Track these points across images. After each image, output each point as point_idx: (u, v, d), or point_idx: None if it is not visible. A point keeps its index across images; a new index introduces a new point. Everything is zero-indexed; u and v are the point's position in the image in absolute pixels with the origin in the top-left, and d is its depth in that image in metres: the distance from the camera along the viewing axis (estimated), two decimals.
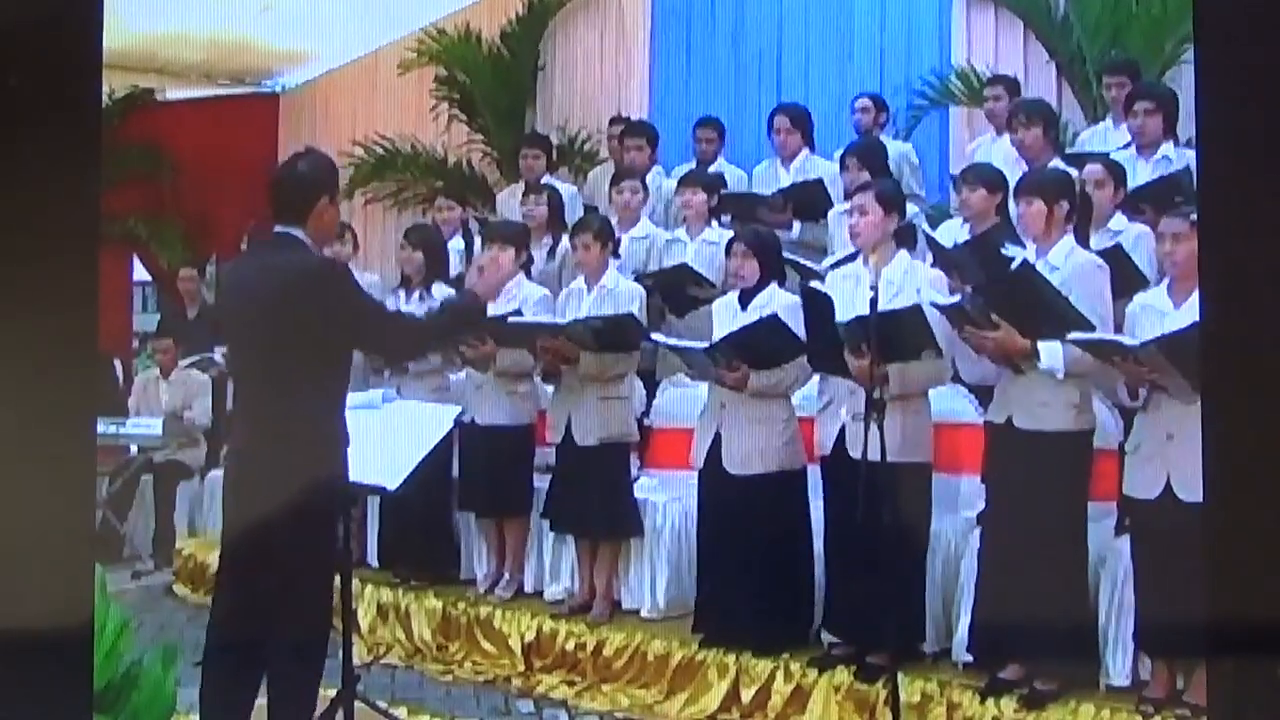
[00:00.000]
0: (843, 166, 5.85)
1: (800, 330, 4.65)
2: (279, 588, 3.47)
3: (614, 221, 6.00)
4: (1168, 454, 3.95)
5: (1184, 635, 3.77)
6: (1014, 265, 4.29)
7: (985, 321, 4.18)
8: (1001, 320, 4.16)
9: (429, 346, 3.94)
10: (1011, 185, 4.73)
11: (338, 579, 3.90)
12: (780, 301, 4.82)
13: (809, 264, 5.66)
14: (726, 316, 4.97)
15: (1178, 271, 4.05)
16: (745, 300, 4.92)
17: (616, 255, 5.63)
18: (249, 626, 3.50)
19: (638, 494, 5.53)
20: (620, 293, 5.42)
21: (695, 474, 5.06)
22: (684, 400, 5.71)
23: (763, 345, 4.73)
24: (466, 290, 4.11)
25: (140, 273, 9.90)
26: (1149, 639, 4.13)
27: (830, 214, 6.12)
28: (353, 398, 4.02)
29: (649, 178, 6.92)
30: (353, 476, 3.86)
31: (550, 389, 5.61)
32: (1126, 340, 4.00)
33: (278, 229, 3.57)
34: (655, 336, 5.44)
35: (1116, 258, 4.45)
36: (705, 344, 4.90)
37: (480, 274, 4.19)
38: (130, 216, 9.17)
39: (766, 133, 6.87)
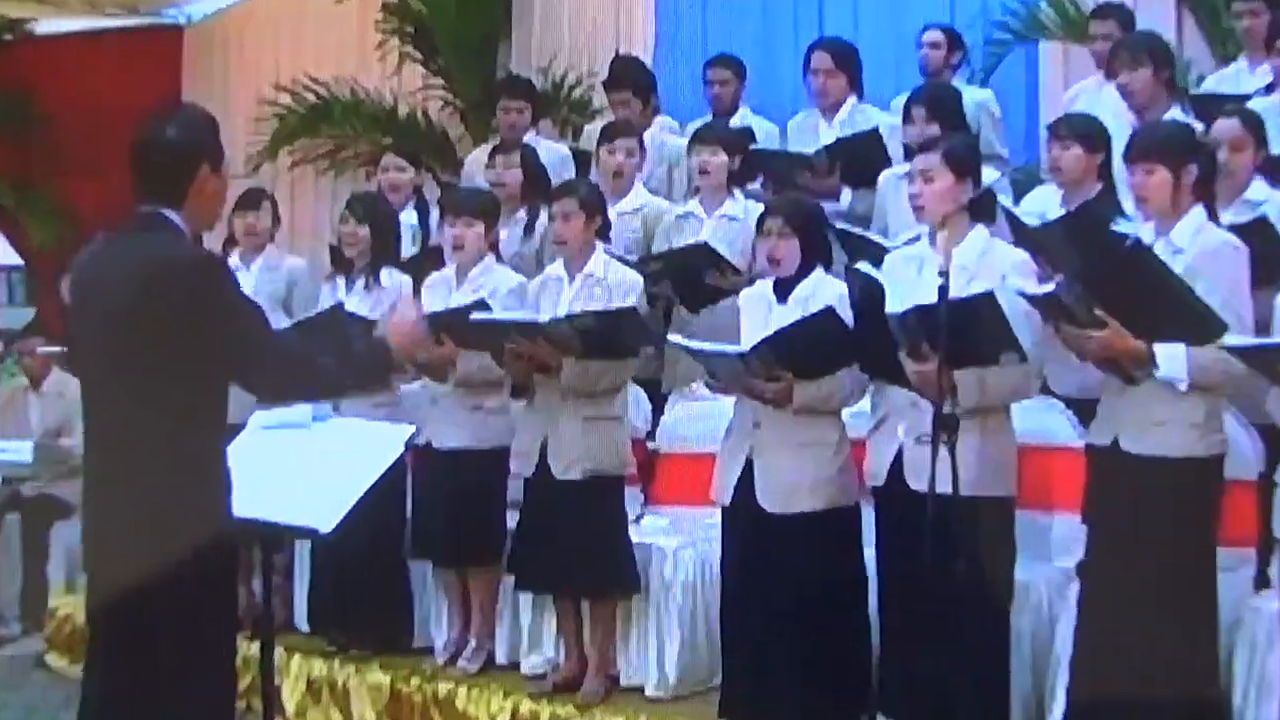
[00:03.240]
0: (906, 117, 5.83)
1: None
2: (156, 665, 3.47)
3: (603, 189, 5.90)
4: None
5: None
6: (1124, 246, 4.28)
7: (1087, 317, 4.16)
8: (1108, 316, 4.14)
9: (316, 396, 3.94)
10: (1120, 143, 4.72)
11: (256, 647, 3.88)
12: (829, 291, 4.79)
13: (875, 238, 5.62)
14: (759, 312, 4.95)
15: None
16: (783, 291, 4.91)
17: (606, 237, 5.56)
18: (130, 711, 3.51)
19: (641, 538, 5.52)
20: (611, 282, 5.37)
21: (718, 512, 5.05)
22: (699, 417, 5.72)
23: (812, 348, 4.69)
24: (378, 341, 4.09)
25: (7, 254, 9.92)
26: None
27: (882, 177, 6.09)
28: (272, 415, 4.01)
29: (649, 134, 6.91)
30: (278, 517, 3.85)
31: (521, 405, 5.60)
32: None
33: (144, 209, 3.54)
34: (671, 337, 5.39)
35: (1259, 235, 4.43)
36: (735, 347, 4.86)
37: (395, 318, 4.14)
38: None
39: (802, 76, 6.87)
